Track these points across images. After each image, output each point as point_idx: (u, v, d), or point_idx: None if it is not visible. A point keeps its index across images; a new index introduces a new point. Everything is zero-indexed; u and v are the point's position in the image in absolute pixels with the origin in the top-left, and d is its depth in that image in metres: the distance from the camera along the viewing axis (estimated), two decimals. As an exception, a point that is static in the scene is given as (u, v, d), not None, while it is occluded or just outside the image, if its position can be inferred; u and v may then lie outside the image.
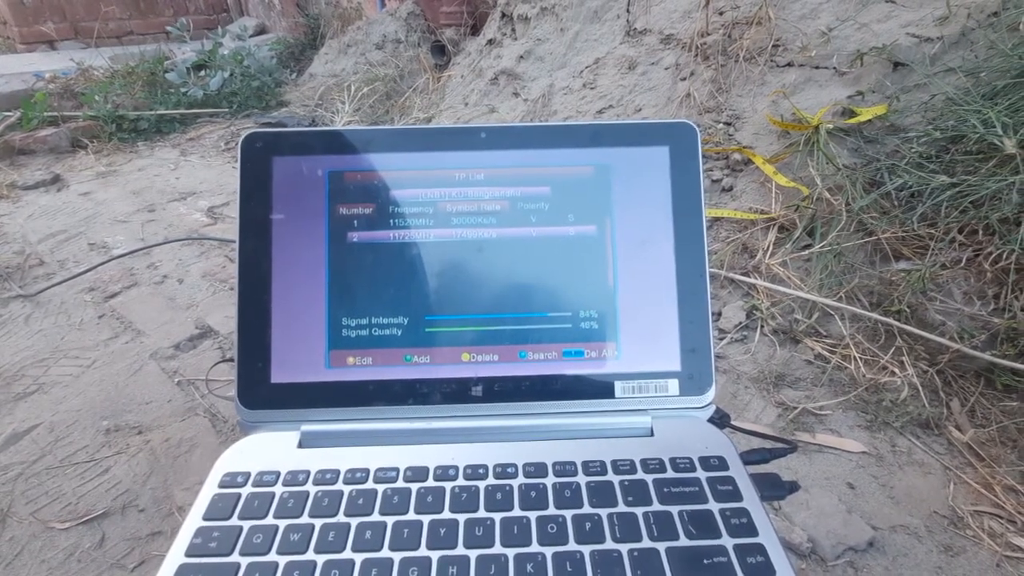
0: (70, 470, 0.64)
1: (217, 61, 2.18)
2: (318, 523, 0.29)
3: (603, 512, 0.29)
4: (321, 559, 0.27)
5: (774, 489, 0.33)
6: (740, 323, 0.81)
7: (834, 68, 1.00)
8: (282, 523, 0.29)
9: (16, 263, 1.09)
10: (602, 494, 0.30)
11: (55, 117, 1.79)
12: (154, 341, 0.86)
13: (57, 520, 0.58)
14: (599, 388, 0.35)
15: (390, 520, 0.29)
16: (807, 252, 0.84)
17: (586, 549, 0.27)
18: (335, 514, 0.29)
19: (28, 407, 0.73)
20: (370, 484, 0.31)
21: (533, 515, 0.29)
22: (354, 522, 0.29)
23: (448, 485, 0.31)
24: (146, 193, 1.45)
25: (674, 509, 0.29)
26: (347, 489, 0.31)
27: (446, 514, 0.29)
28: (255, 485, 0.31)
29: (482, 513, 0.29)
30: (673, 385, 0.35)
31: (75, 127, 1.78)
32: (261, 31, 3.23)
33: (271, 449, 0.33)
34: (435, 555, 0.27)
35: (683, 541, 0.28)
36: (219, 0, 3.50)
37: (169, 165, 1.66)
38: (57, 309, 0.95)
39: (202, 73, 2.18)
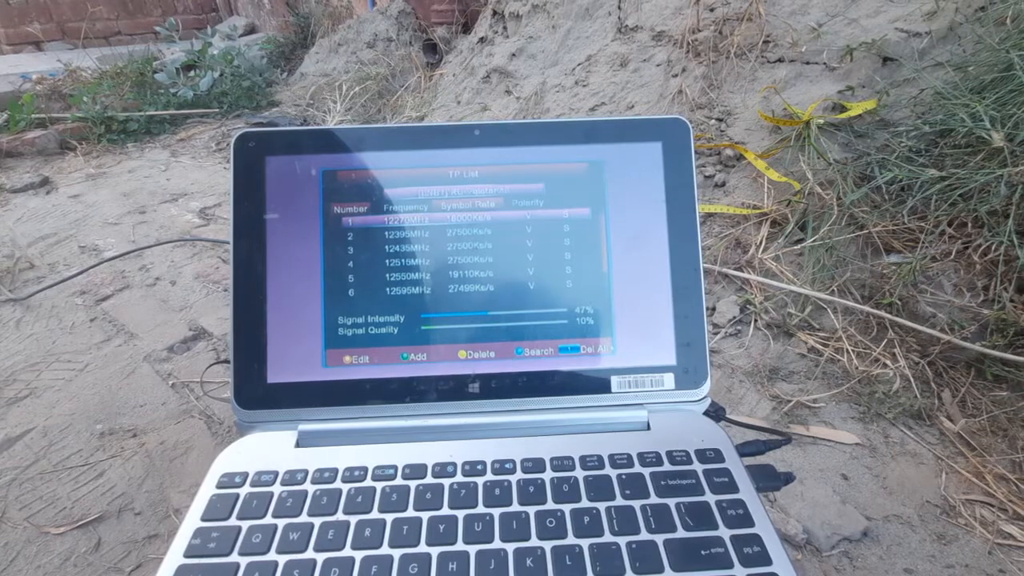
0: (64, 474, 0.63)
1: (207, 61, 2.17)
2: (317, 522, 0.29)
3: (601, 506, 0.29)
4: (321, 557, 0.27)
5: (770, 480, 0.34)
6: (734, 318, 0.81)
7: (824, 63, 1.01)
8: (281, 522, 0.29)
9: (6, 267, 1.07)
10: (600, 488, 0.30)
11: (43, 119, 1.77)
12: (147, 344, 0.86)
13: (52, 525, 0.57)
14: (595, 383, 0.35)
15: (389, 517, 0.29)
16: (799, 246, 0.85)
17: (585, 542, 0.28)
18: (334, 512, 0.29)
19: (21, 412, 0.73)
20: (368, 482, 0.31)
21: (532, 510, 0.29)
22: (353, 520, 0.29)
23: (447, 482, 0.31)
24: (137, 195, 1.44)
25: (671, 501, 0.29)
26: (346, 487, 0.31)
27: (445, 510, 0.29)
28: (253, 485, 0.31)
29: (481, 509, 0.29)
30: (669, 379, 0.35)
31: (63, 129, 1.76)
32: (251, 30, 3.20)
33: (268, 449, 0.33)
34: (435, 551, 0.27)
35: (681, 533, 0.28)
36: None
37: (160, 166, 1.64)
38: (48, 313, 0.94)
39: (192, 73, 2.17)
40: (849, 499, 0.57)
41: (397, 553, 0.27)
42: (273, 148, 0.36)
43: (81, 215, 1.32)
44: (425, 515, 0.29)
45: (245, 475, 0.31)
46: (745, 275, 0.85)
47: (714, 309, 0.83)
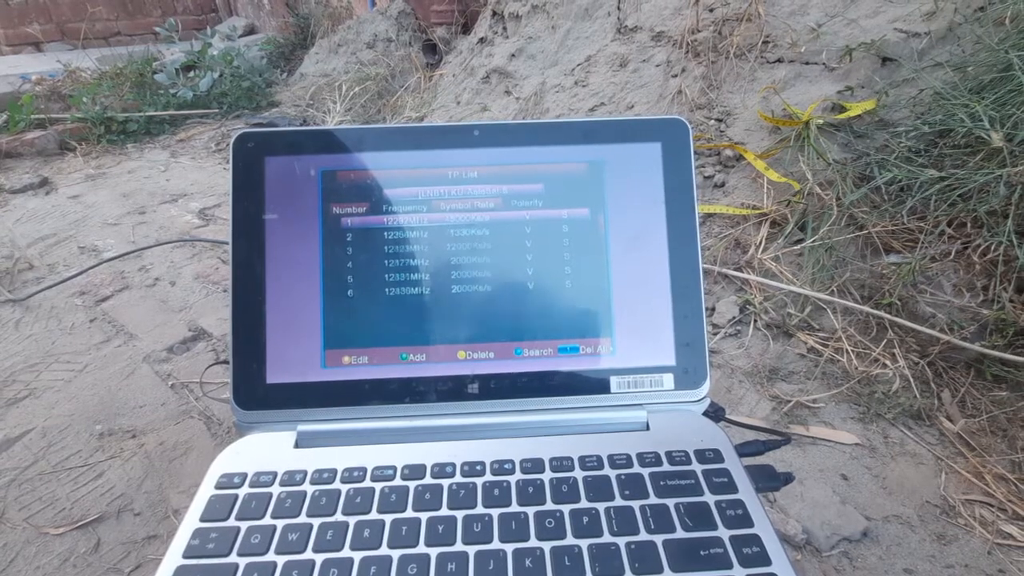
0: (63, 475, 0.63)
1: (206, 62, 2.17)
2: (316, 522, 0.29)
3: (600, 506, 0.29)
4: (319, 558, 0.27)
5: (769, 480, 0.34)
6: (733, 318, 0.81)
7: (823, 64, 1.01)
8: (280, 523, 0.29)
9: (5, 268, 1.07)
10: (599, 488, 0.30)
11: (42, 119, 1.77)
12: (147, 344, 0.85)
13: (51, 526, 0.57)
14: (595, 383, 0.35)
15: (388, 518, 0.29)
16: (799, 247, 0.85)
17: (584, 543, 0.28)
18: (333, 513, 0.29)
19: (20, 412, 0.73)
20: (367, 483, 0.31)
21: (531, 510, 0.29)
22: (352, 521, 0.29)
23: (446, 482, 0.31)
24: (136, 195, 1.44)
25: (670, 502, 0.29)
26: (344, 488, 0.31)
27: (444, 511, 0.29)
28: (252, 486, 0.31)
29: (480, 509, 0.29)
30: (668, 379, 0.35)
31: (63, 129, 1.76)
32: (251, 31, 3.21)
33: (268, 449, 0.33)
34: (434, 552, 0.27)
35: (680, 533, 0.28)
36: (208, 0, 3.48)
37: (159, 167, 1.64)
38: (48, 313, 0.94)
39: (191, 74, 2.17)
40: (849, 499, 0.57)
41: (396, 554, 0.27)
42: (272, 148, 0.36)
43: (80, 216, 1.32)
44: (424, 516, 0.29)
45: (244, 476, 0.31)
46: (745, 275, 0.85)
47: (714, 309, 0.83)
